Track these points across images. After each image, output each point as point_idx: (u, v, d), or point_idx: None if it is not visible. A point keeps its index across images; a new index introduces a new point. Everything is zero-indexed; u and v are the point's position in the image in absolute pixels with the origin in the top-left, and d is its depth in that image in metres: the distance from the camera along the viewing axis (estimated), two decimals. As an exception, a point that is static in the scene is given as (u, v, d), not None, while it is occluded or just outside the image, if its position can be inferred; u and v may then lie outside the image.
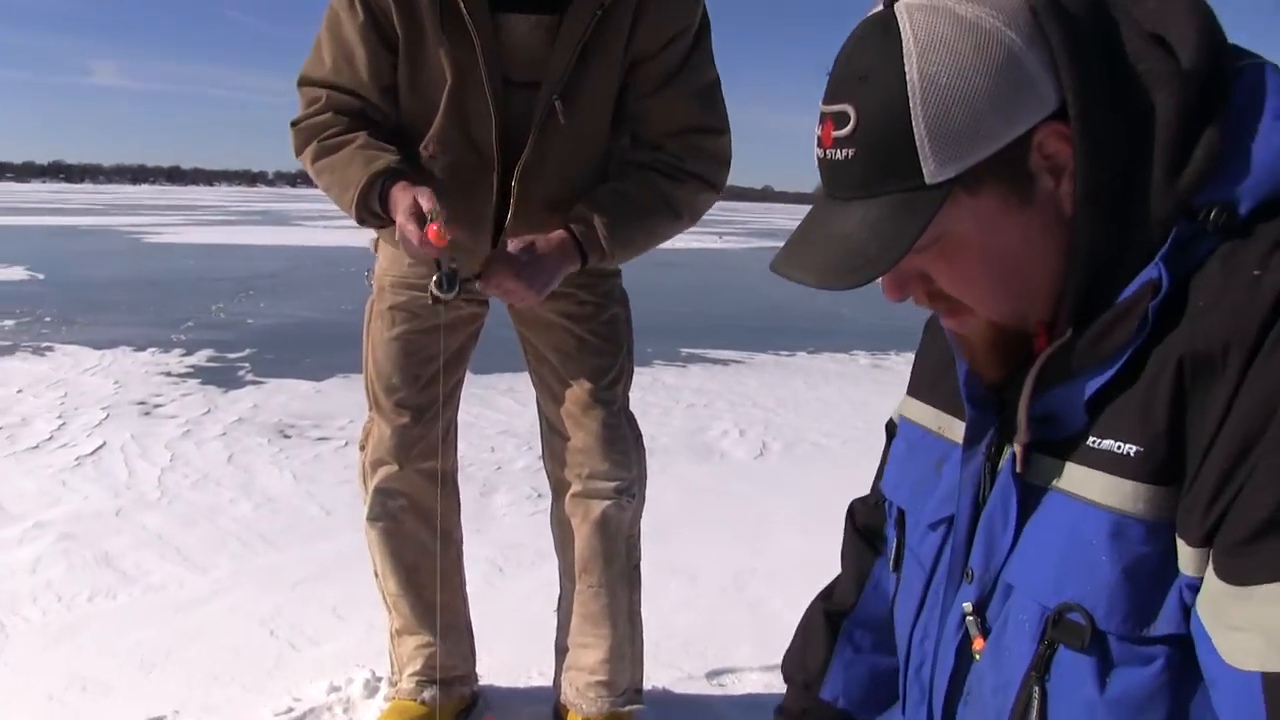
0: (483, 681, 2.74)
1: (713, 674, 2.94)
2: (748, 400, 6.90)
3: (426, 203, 1.95)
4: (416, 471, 2.41)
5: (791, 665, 1.52)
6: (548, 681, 2.68)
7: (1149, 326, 0.98)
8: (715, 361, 8.47)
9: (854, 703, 1.45)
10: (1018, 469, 1.07)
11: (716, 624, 3.25)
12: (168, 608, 3.24)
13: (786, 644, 3.13)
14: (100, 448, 5.04)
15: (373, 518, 2.45)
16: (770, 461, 5.46)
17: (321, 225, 23.66)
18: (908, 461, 1.34)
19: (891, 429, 1.46)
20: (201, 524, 4.02)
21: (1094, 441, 1.01)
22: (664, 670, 2.66)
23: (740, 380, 7.69)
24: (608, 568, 2.42)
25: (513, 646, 2.96)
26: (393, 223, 2.04)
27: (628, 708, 2.49)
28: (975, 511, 1.16)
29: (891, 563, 1.35)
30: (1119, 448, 0.98)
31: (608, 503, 2.38)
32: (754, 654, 3.06)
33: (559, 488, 2.45)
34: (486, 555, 3.67)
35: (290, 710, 2.61)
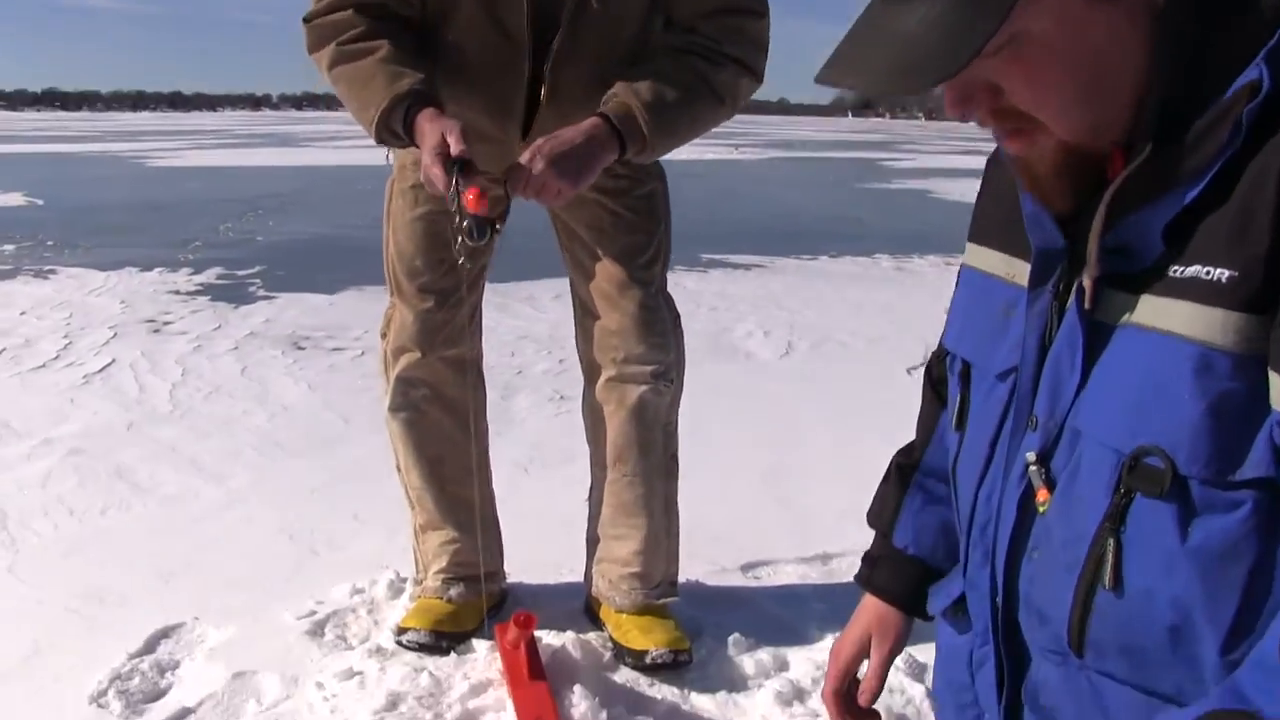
0: (511, 580, 2.65)
1: (747, 566, 2.84)
2: (771, 302, 6.76)
3: (455, 144, 1.81)
4: (441, 359, 2.28)
5: (871, 513, 1.48)
6: (578, 578, 2.58)
7: (1243, 135, 0.87)
8: (736, 266, 8.31)
9: (924, 549, 1.40)
10: (1086, 305, 0.99)
11: (749, 518, 3.15)
12: (184, 518, 3.16)
13: (820, 537, 3.07)
14: (109, 365, 4.93)
15: (395, 408, 2.33)
16: (796, 360, 5.34)
17: (330, 146, 23.37)
18: (972, 311, 1.23)
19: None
20: (216, 435, 3.93)
21: (1176, 270, 0.91)
22: (697, 563, 2.55)
23: (762, 283, 7.53)
24: (644, 457, 2.30)
25: (541, 545, 2.85)
26: (414, 144, 1.91)
27: (662, 600, 2.39)
28: (1041, 356, 1.07)
29: (954, 420, 1.26)
30: (1207, 273, 0.88)
31: (644, 388, 2.25)
32: (788, 547, 2.96)
33: (592, 372, 2.32)
34: (511, 456, 3.56)
35: (313, 613, 2.52)
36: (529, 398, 4.46)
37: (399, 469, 2.42)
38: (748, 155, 30.04)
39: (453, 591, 2.40)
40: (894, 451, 1.49)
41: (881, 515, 1.45)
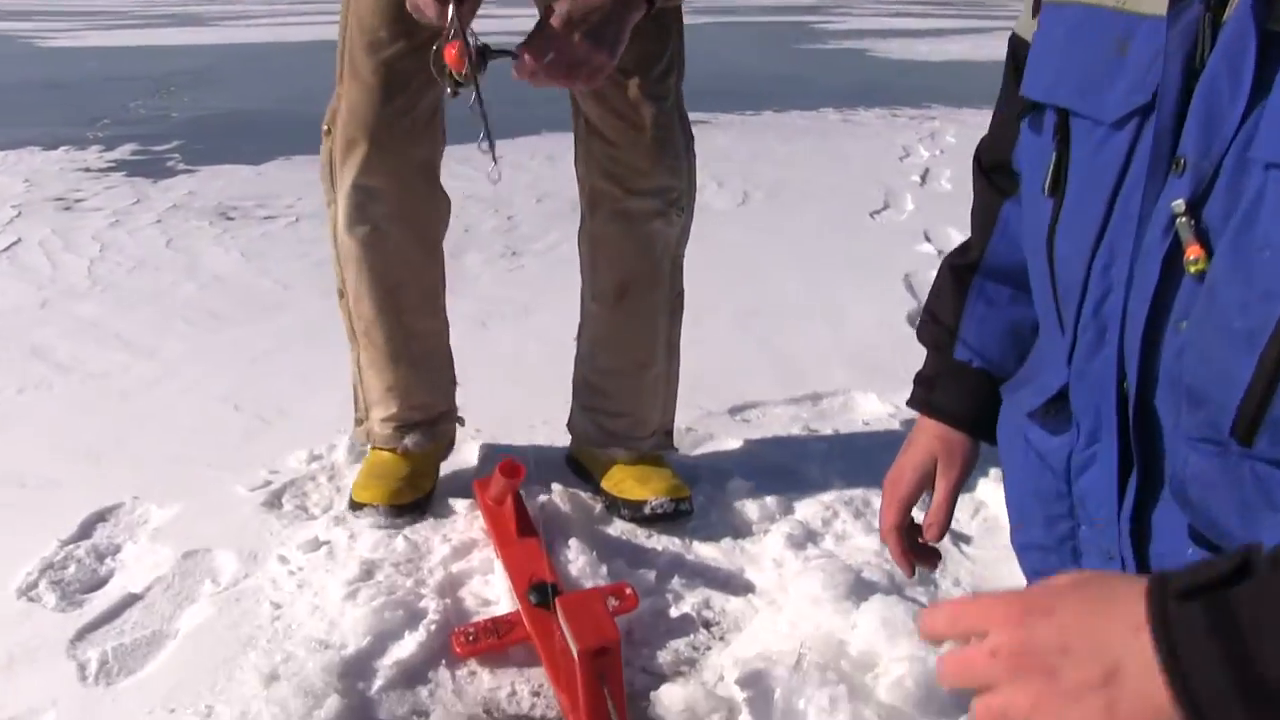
0: (480, 439, 2.43)
1: (735, 410, 2.65)
2: (720, 155, 6.47)
3: None
4: (401, 161, 1.98)
5: (923, 328, 1.33)
6: (556, 431, 2.37)
7: None
8: (677, 121, 7.98)
9: (992, 361, 1.25)
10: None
11: (729, 361, 2.95)
12: (112, 395, 2.87)
13: (807, 378, 2.88)
14: (15, 244, 4.52)
15: (351, 223, 2.01)
16: (754, 209, 5.11)
17: (240, 24, 22.19)
18: (1071, 51, 1.02)
19: (1015, 45, 1.20)
20: (142, 308, 3.61)
21: None
22: (683, 409, 2.34)
23: (709, 138, 7.22)
24: (649, 292, 2.07)
25: (510, 400, 2.64)
26: None
27: (657, 451, 2.18)
28: (1187, 84, 0.86)
29: (1047, 185, 1.05)
30: None
31: (655, 216, 2.01)
32: (773, 388, 2.78)
33: (595, 199, 2.06)
34: (466, 312, 3.30)
35: (268, 484, 2.28)
36: (479, 255, 4.20)
37: (342, 294, 2.13)
38: (688, 21, 29.20)
39: (408, 440, 2.16)
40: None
41: (936, 328, 1.30)
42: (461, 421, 2.31)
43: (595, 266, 2.13)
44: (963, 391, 1.27)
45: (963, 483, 1.29)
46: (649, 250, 2.03)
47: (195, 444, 2.51)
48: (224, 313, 3.54)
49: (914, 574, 1.34)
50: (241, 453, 2.45)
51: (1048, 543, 1.14)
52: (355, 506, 2.10)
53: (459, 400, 2.30)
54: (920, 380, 1.32)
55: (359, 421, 2.23)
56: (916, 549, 1.32)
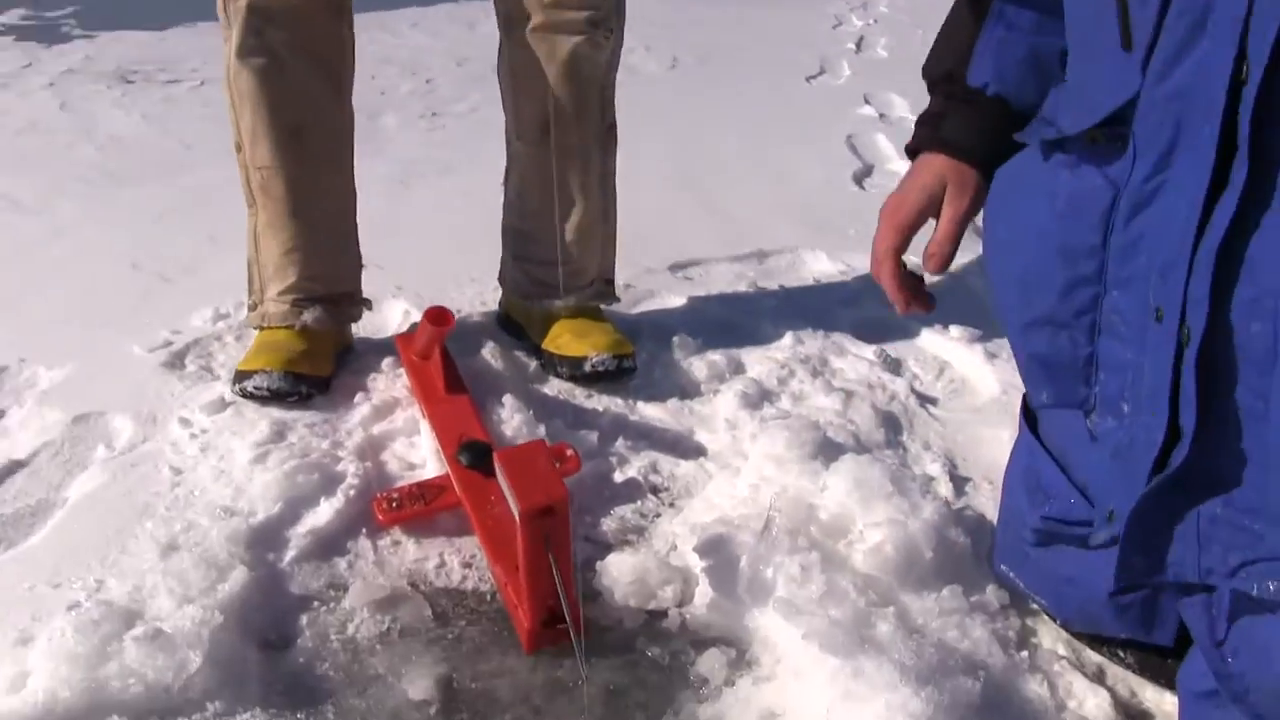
0: (402, 290, 2.25)
1: (676, 267, 2.48)
2: (645, 19, 6.17)
3: None
4: None
5: (931, 64, 1.25)
6: (485, 288, 2.20)
7: None
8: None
9: (1008, 86, 1.16)
10: None
11: (668, 219, 2.76)
12: (-1, 256, 2.62)
13: (750, 235, 2.72)
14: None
15: (244, 52, 1.78)
16: (685, 73, 4.89)
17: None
18: None
19: None
20: (32, 170, 3.31)
21: None
22: (621, 267, 2.16)
23: (635, 7, 6.91)
24: (577, 123, 1.87)
25: (433, 254, 2.45)
26: None
27: (596, 301, 2.01)
28: None
29: None
30: None
31: (579, 38, 1.80)
32: (715, 245, 2.62)
33: (512, 21, 1.85)
34: (385, 174, 3.09)
35: (168, 344, 2.08)
36: (397, 116, 3.94)
37: (238, 147, 1.89)
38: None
39: (306, 316, 1.91)
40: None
41: (947, 55, 1.21)
42: (368, 305, 2.07)
43: (517, 100, 1.92)
44: (975, 121, 1.17)
45: (971, 217, 1.19)
46: (574, 77, 1.83)
47: (89, 304, 2.30)
48: (124, 174, 3.26)
49: (907, 309, 1.24)
50: (140, 313, 2.24)
51: (1060, 316, 1.02)
52: (241, 377, 1.84)
53: (376, 261, 2.09)
54: (925, 119, 1.21)
55: (253, 307, 1.99)
56: (912, 288, 1.20)
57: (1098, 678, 1.32)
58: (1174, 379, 0.92)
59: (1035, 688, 1.28)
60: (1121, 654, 1.30)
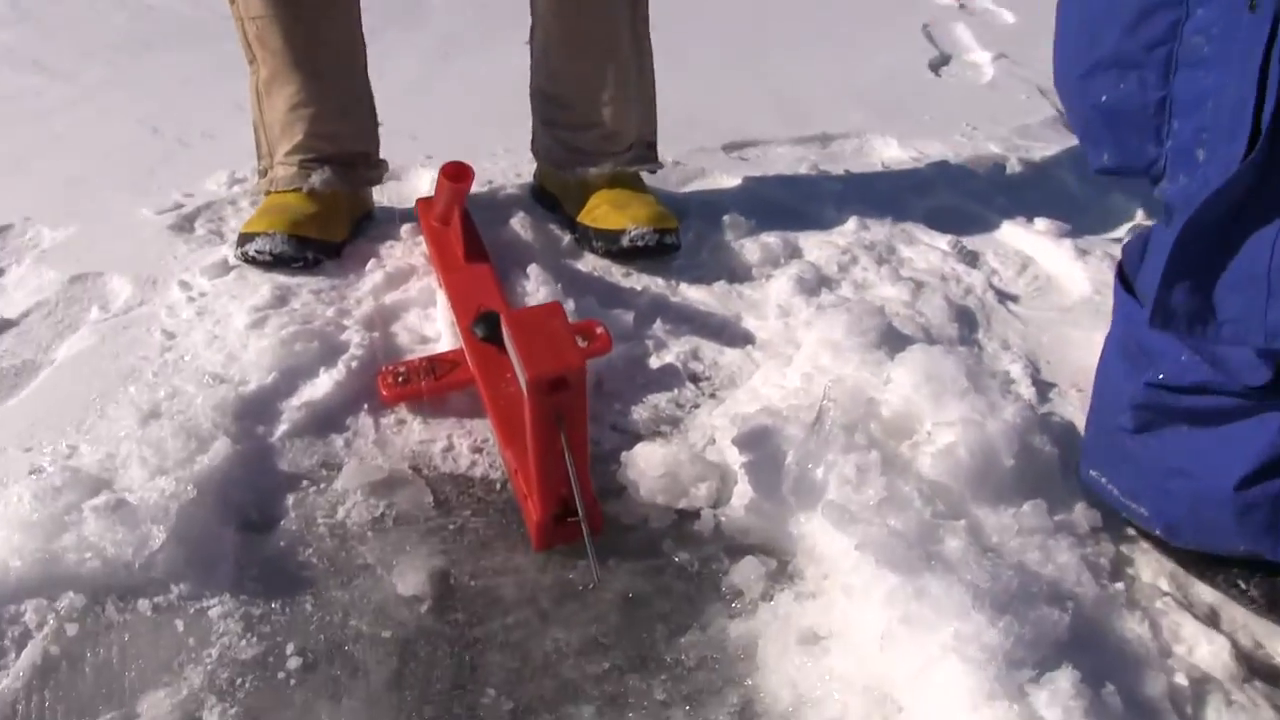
0: (432, 160, 2.07)
1: (731, 146, 2.28)
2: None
3: None
4: None
5: None
6: (520, 159, 2.01)
7: None
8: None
9: None
10: None
11: (723, 97, 2.54)
12: (20, 117, 2.48)
13: (815, 117, 2.49)
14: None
15: None
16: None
17: None
18: None
19: None
20: (64, 35, 3.16)
21: None
22: (669, 143, 1.96)
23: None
24: None
25: (467, 124, 2.26)
26: None
27: (638, 167, 1.82)
28: None
29: None
30: None
31: None
32: (775, 126, 2.40)
33: None
34: (425, 43, 2.89)
35: (179, 207, 1.93)
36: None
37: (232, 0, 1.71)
38: None
39: (315, 179, 1.74)
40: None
41: None
42: (386, 167, 1.89)
43: None
44: None
45: None
46: None
47: (104, 166, 2.16)
48: (155, 41, 3.09)
49: None
50: (155, 176, 2.09)
51: (1129, 53, 0.86)
52: (244, 240, 1.69)
53: (409, 130, 1.89)
54: None
55: (263, 173, 1.82)
56: None
57: (1210, 620, 1.12)
58: (1260, 80, 0.80)
59: (1134, 626, 1.08)
60: (1242, 585, 1.10)
